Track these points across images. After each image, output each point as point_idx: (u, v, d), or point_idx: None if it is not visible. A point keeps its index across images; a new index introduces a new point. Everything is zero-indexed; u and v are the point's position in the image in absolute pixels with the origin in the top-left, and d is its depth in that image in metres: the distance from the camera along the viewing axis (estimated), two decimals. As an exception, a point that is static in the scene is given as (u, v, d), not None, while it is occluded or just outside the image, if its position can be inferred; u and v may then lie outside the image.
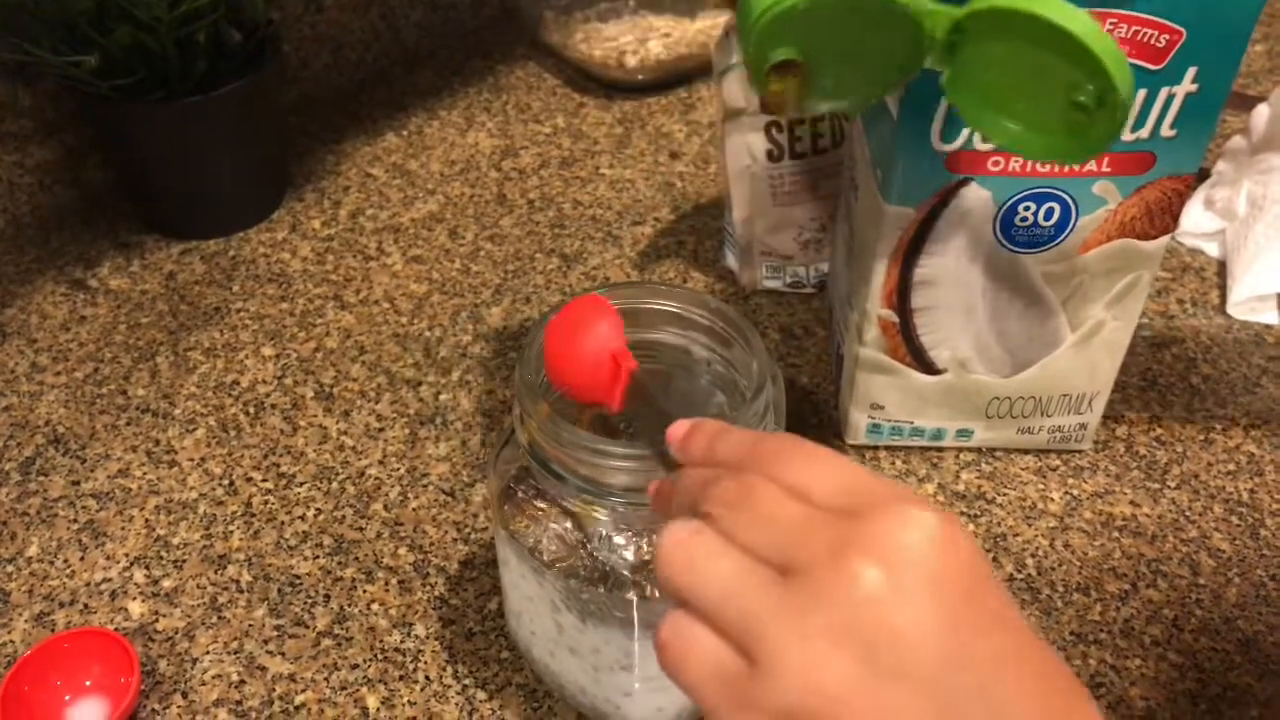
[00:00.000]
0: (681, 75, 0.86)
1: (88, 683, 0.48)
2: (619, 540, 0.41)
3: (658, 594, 0.41)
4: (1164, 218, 0.50)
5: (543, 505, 0.43)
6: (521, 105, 0.85)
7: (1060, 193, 0.49)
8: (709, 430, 0.34)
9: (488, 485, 0.47)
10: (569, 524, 0.42)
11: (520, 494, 0.44)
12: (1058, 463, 0.59)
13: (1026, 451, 0.59)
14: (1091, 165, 0.48)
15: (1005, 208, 0.49)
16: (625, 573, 0.41)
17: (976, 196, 0.49)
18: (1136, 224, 0.50)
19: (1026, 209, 0.49)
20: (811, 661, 0.27)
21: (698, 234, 0.74)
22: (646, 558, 0.41)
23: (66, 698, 0.48)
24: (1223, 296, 0.69)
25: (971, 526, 0.56)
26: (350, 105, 0.84)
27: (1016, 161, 0.48)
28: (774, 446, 0.31)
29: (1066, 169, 0.48)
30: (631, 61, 0.84)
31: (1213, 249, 0.72)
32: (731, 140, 0.64)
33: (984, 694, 0.27)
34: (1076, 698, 0.28)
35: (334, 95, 0.85)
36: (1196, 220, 0.73)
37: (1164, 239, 0.51)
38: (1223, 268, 0.71)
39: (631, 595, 0.40)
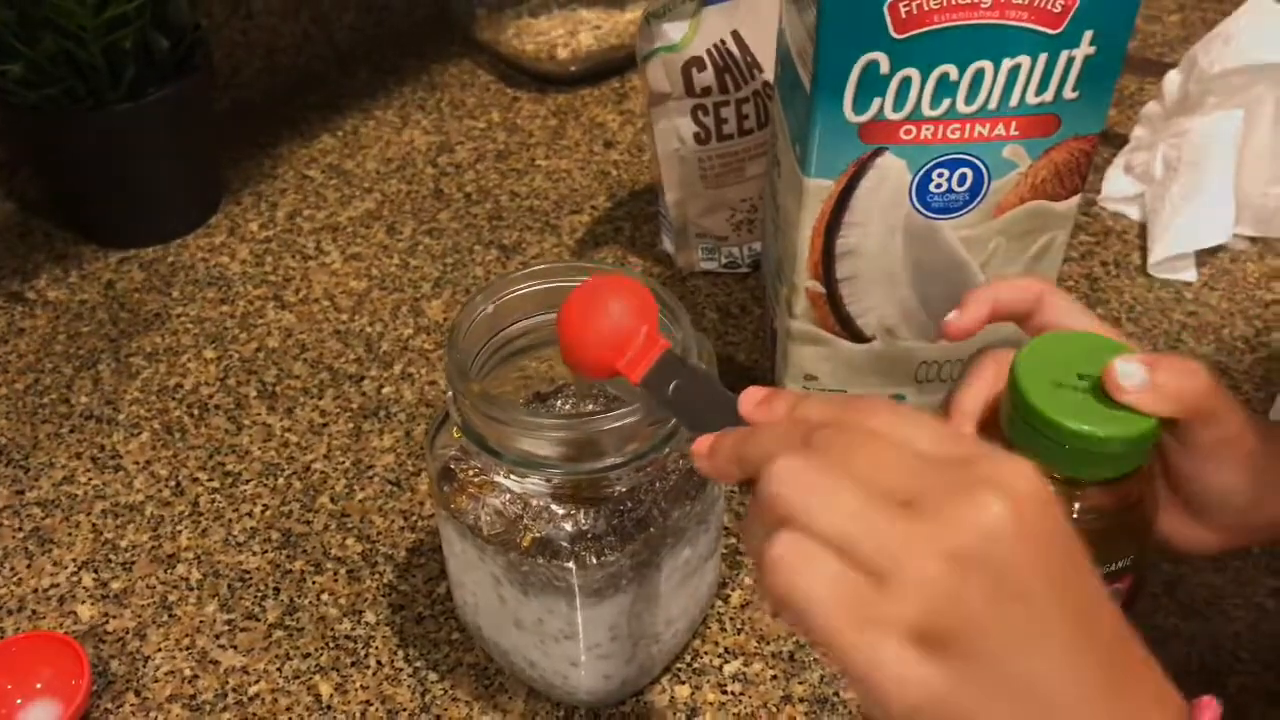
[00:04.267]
0: (614, 66, 0.87)
1: (38, 685, 0.49)
2: (557, 510, 0.42)
3: (595, 561, 0.42)
4: (1073, 178, 0.51)
5: (480, 483, 0.44)
6: (456, 102, 0.86)
7: (972, 158, 0.50)
8: (789, 395, 0.34)
9: (426, 468, 0.48)
10: (506, 499, 0.43)
11: (459, 474, 0.45)
12: (988, 423, 0.60)
13: (957, 414, 0.61)
14: (1000, 130, 0.49)
15: (920, 175, 0.51)
16: (564, 543, 0.42)
17: (891, 166, 0.50)
18: (1047, 185, 0.51)
19: (940, 176, 0.51)
20: (945, 581, 0.28)
21: (634, 220, 0.75)
22: (584, 527, 0.42)
23: (18, 701, 0.48)
24: (1144, 258, 0.71)
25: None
26: (285, 109, 0.85)
27: (928, 129, 0.49)
28: (868, 404, 0.31)
29: (976, 135, 0.49)
30: (563, 54, 0.85)
31: (1134, 212, 0.74)
32: (659, 125, 0.65)
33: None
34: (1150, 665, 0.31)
35: (268, 101, 0.86)
36: (1117, 185, 0.75)
37: (1074, 199, 0.52)
38: (1144, 230, 0.73)
39: (570, 564, 0.41)
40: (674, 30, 0.62)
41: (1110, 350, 0.40)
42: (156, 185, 0.72)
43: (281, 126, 0.83)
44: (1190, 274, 0.70)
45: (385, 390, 0.63)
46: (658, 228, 0.73)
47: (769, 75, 0.63)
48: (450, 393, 0.42)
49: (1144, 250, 0.72)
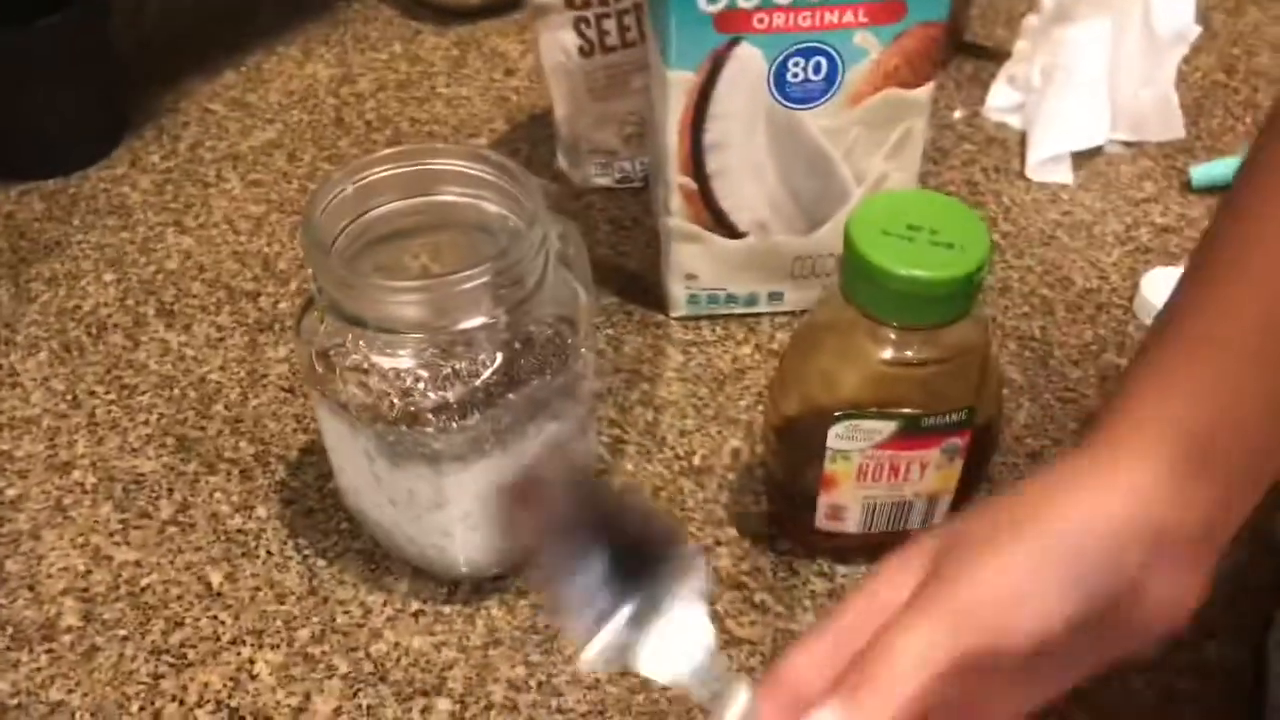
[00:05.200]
0: (515, -1, 0.88)
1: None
2: (420, 381, 0.44)
3: (455, 425, 0.44)
4: (924, 65, 0.54)
5: (348, 363, 0.45)
6: (359, 36, 0.87)
7: (826, 46, 0.52)
8: None
9: (296, 354, 0.49)
10: (374, 378, 0.45)
11: (330, 357, 0.46)
12: (863, 315, 0.63)
13: (834, 307, 0.63)
14: (849, 16, 0.51)
15: (776, 65, 0.53)
16: (427, 412, 0.44)
17: (749, 55, 0.52)
18: (900, 73, 0.54)
19: (796, 65, 0.53)
20: None
21: (531, 141, 0.76)
22: (446, 396, 0.44)
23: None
24: (1024, 164, 0.74)
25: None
26: (187, 46, 0.85)
27: (779, 17, 0.51)
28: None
29: (826, 23, 0.51)
30: (464, -14, 0.86)
31: (1015, 121, 0.77)
32: (544, 38, 0.67)
33: None
34: None
35: (171, 38, 0.86)
36: (1000, 96, 0.78)
37: (928, 87, 0.54)
38: (1024, 138, 0.75)
39: (430, 429, 0.43)
40: (551, -58, 0.63)
41: (940, 205, 0.42)
42: (54, 117, 0.73)
43: (184, 63, 0.83)
44: (1066, 176, 0.72)
45: (281, 305, 0.65)
46: (554, 148, 0.74)
47: (648, -13, 0.64)
48: (314, 271, 0.44)
49: (1024, 157, 0.74)
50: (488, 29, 0.87)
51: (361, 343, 0.43)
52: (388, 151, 0.45)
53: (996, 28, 0.86)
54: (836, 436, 0.45)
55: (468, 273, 0.41)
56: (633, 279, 0.66)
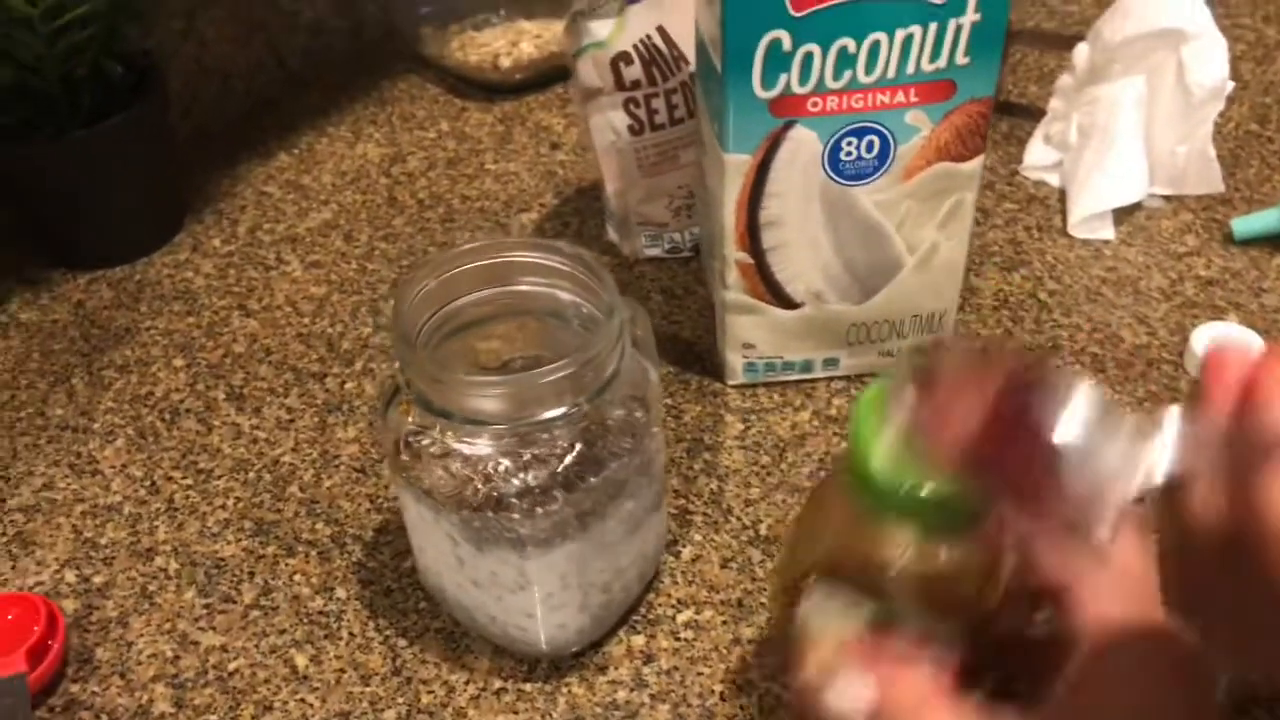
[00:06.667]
0: (556, 73, 0.90)
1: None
2: (503, 467, 0.45)
3: (540, 511, 0.45)
4: (973, 139, 0.55)
5: (430, 450, 0.47)
6: (406, 115, 0.89)
7: (877, 126, 0.54)
8: None
9: (381, 442, 0.51)
10: (457, 464, 0.46)
11: (413, 444, 0.48)
12: (918, 379, 0.64)
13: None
14: (900, 97, 0.53)
15: (830, 145, 0.54)
16: (511, 497, 0.45)
17: (804, 137, 0.54)
18: (950, 148, 0.55)
19: (849, 144, 0.54)
20: None
21: (581, 214, 0.78)
22: (529, 482, 0.45)
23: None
24: (1065, 220, 0.75)
25: (845, 445, 0.60)
26: (242, 132, 0.88)
27: (833, 100, 0.53)
28: None
29: (878, 103, 0.53)
30: (506, 63, 0.88)
31: (1054, 179, 0.78)
32: (594, 119, 0.69)
33: None
34: None
35: (226, 125, 0.89)
36: (1037, 155, 0.79)
37: (978, 159, 0.56)
38: (1063, 195, 0.77)
39: (516, 515, 0.45)
40: (600, 28, 0.65)
41: None
42: (119, 208, 0.75)
43: (239, 148, 0.86)
44: (1108, 232, 0.73)
45: (348, 386, 0.67)
46: (603, 220, 0.76)
47: (694, 67, 0.66)
48: (398, 363, 0.45)
49: (1064, 214, 0.75)
50: (531, 104, 0.89)
51: (448, 433, 0.45)
52: (468, 246, 0.47)
53: (1029, 85, 0.88)
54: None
55: (551, 367, 0.42)
56: (688, 348, 0.68)
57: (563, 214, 0.79)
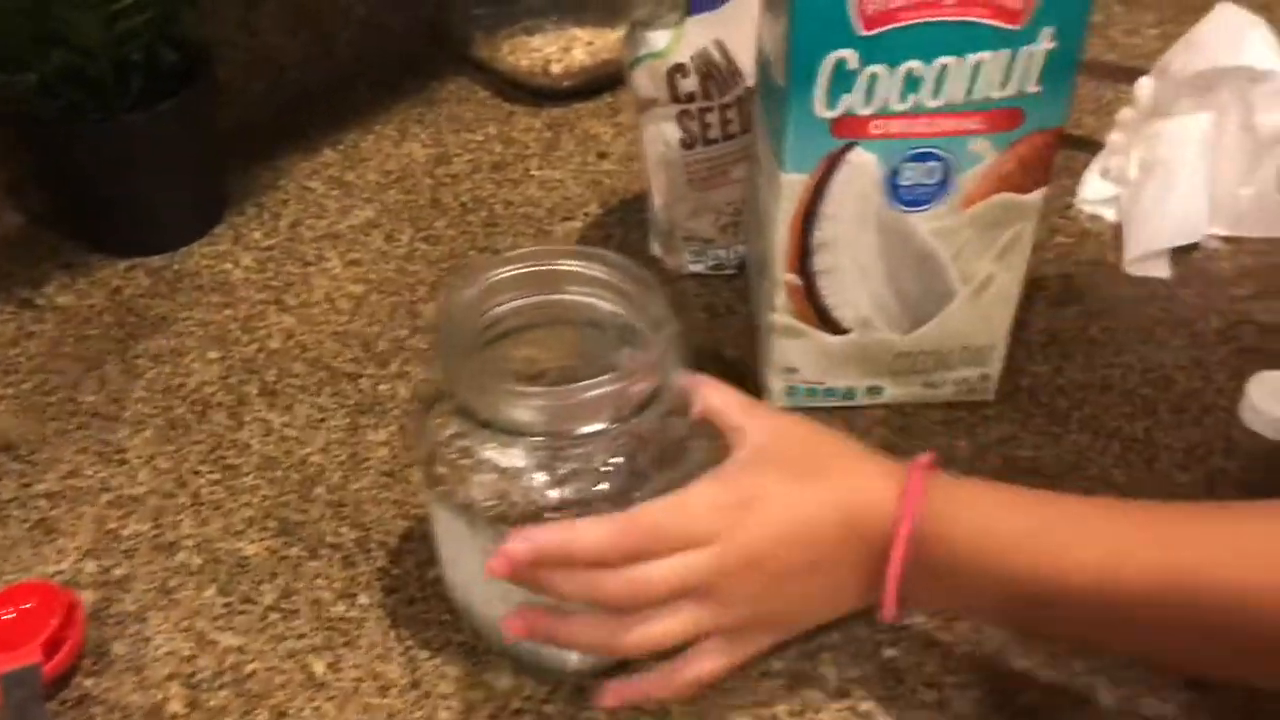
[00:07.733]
0: (606, 81, 0.89)
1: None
2: (540, 481, 0.44)
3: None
4: (1038, 170, 0.53)
5: (467, 461, 0.46)
6: (453, 116, 0.88)
7: (940, 152, 0.52)
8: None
9: (415, 451, 0.50)
10: (494, 476, 0.45)
11: (448, 456, 0.47)
12: (964, 413, 0.62)
13: (934, 405, 0.62)
14: (966, 123, 0.51)
15: (890, 169, 0.53)
16: (547, 511, 0.44)
17: (863, 160, 0.52)
18: (1013, 178, 0.53)
19: (910, 169, 0.53)
20: None
21: (625, 225, 0.77)
22: (566, 496, 0.44)
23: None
24: (1120, 257, 0.73)
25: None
26: (288, 125, 0.87)
27: (897, 124, 0.51)
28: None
29: (943, 129, 0.51)
30: (557, 69, 0.88)
31: (1110, 214, 0.76)
32: (647, 130, 0.68)
33: None
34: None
35: (272, 117, 0.88)
36: (1094, 188, 0.77)
37: (1040, 191, 0.54)
38: (1119, 230, 0.75)
39: (551, 532, 0.43)
40: (658, 38, 0.64)
41: None
42: (162, 195, 0.75)
43: (284, 141, 0.86)
44: (1164, 271, 0.71)
45: (381, 387, 0.66)
46: (647, 233, 0.75)
47: (751, 82, 0.65)
48: (442, 371, 0.44)
49: (1120, 249, 0.73)
50: (580, 111, 0.88)
51: (489, 444, 0.44)
52: (516, 253, 0.46)
53: (1085, 116, 0.86)
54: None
55: (596, 380, 0.41)
56: (729, 367, 0.66)
57: (606, 224, 0.77)
